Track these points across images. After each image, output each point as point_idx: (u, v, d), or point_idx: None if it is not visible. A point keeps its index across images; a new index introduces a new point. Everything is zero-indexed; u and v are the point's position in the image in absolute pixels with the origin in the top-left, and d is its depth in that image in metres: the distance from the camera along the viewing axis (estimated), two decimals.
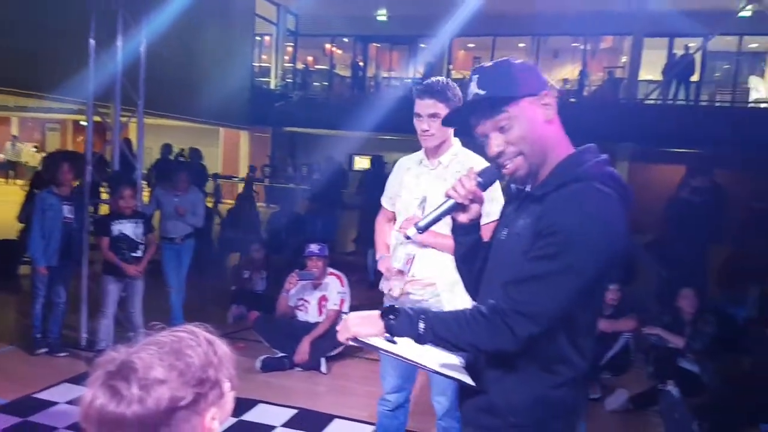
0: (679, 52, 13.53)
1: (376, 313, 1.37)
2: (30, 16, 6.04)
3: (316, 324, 4.36)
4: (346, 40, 18.10)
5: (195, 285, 5.51)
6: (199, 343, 0.95)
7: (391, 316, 1.33)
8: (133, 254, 4.22)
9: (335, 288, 4.48)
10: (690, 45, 13.19)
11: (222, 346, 0.98)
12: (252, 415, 3.45)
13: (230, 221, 7.26)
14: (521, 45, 17.61)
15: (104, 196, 5.62)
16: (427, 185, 2.35)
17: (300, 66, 17.88)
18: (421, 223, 1.46)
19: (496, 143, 1.38)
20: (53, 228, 4.22)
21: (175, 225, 4.78)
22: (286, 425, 3.36)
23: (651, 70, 14.38)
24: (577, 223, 1.25)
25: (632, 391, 3.95)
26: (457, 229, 1.54)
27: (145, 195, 5.68)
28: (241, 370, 1.21)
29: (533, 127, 1.36)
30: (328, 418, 3.42)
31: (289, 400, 3.62)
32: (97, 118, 4.68)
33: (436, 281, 2.35)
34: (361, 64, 17.18)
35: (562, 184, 1.31)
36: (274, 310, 4.60)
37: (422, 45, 16.11)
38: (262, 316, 4.58)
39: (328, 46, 18.45)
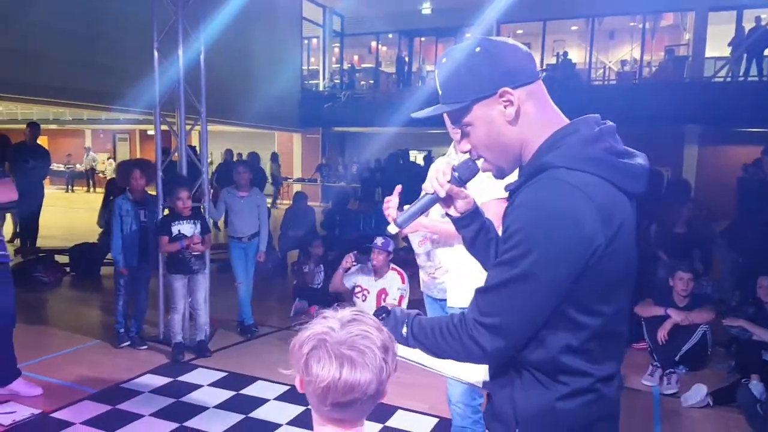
0: (748, 25, 12.78)
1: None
2: (93, 29, 6.43)
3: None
4: (390, 36, 18.15)
5: (261, 281, 5.77)
6: (379, 328, 1.09)
7: (381, 317, 1.32)
8: (192, 252, 4.43)
9: (396, 284, 4.63)
10: (762, 16, 12.45)
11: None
12: None
13: (289, 220, 7.52)
14: (574, 28, 17.13)
15: None
16: None
17: (347, 66, 18.08)
18: (399, 219, 1.40)
19: (462, 146, 1.32)
20: (130, 231, 4.54)
21: (241, 224, 5.02)
22: None
23: (717, 46, 13.62)
24: (531, 223, 1.12)
25: (711, 386, 3.81)
26: (453, 221, 1.47)
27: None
28: None
29: (490, 131, 1.24)
30: (392, 409, 3.50)
31: None
32: (164, 127, 4.98)
33: (449, 268, 2.42)
34: (406, 59, 17.20)
35: (529, 176, 1.20)
36: (332, 303, 4.78)
37: (468, 35, 15.97)
38: (323, 308, 4.77)
39: (373, 43, 18.58)
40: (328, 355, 1.01)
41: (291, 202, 8.61)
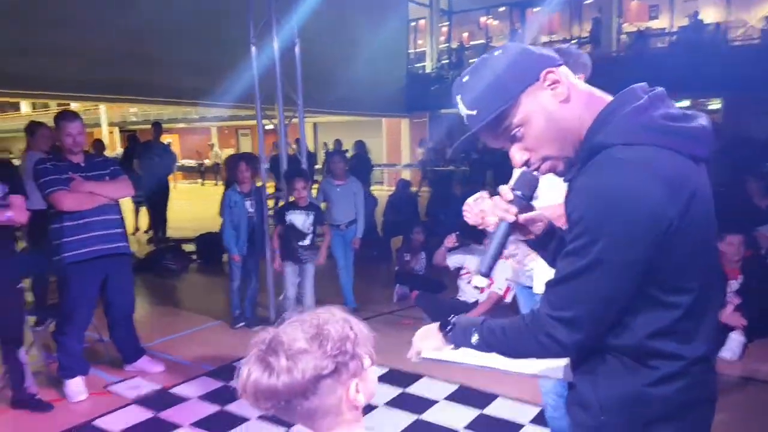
0: None
1: (436, 325, 1.34)
2: (193, 28, 6.81)
3: (476, 303, 4.45)
4: (501, 9, 17.57)
5: (362, 268, 5.89)
6: (336, 319, 1.03)
7: (447, 329, 1.29)
8: (300, 243, 4.60)
9: (505, 273, 4.51)
10: None
11: (359, 325, 1.05)
12: (415, 388, 3.64)
13: (391, 206, 7.59)
14: None
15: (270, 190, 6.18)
16: None
17: (455, 45, 17.79)
18: (483, 268, 1.29)
19: (517, 156, 1.21)
20: (239, 221, 4.81)
21: (339, 213, 5.14)
22: (448, 399, 3.51)
23: None
24: (593, 209, 1.07)
25: None
26: (533, 246, 1.37)
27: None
28: (407, 347, 1.35)
29: (548, 121, 1.15)
30: (492, 396, 3.47)
31: (451, 377, 3.74)
32: (266, 122, 5.19)
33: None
34: (519, 31, 16.57)
35: (585, 161, 1.13)
36: (433, 289, 4.78)
37: (587, 0, 15.01)
38: (422, 293, 4.78)
39: (483, 19, 18.11)
40: (250, 358, 1.01)
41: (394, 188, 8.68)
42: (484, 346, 1.24)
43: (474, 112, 1.17)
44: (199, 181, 21.11)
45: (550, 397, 2.43)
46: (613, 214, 1.04)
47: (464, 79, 1.20)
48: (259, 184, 5.08)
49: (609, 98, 1.17)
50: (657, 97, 1.13)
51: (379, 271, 6.89)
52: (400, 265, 5.85)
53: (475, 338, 1.25)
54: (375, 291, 5.83)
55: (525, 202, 1.28)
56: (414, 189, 8.38)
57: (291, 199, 4.70)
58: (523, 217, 1.28)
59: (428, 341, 1.34)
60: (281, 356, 0.97)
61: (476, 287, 1.33)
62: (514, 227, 1.29)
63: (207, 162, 21.18)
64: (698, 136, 1.12)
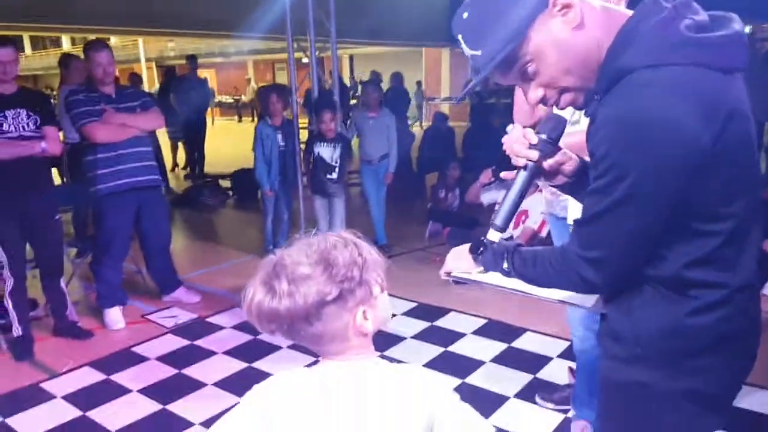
0: None
1: (467, 247, 1.30)
2: None
3: (510, 239, 4.36)
4: None
5: (396, 204, 5.85)
6: (346, 244, 0.99)
7: (478, 251, 1.24)
8: (328, 176, 4.55)
9: (540, 207, 4.38)
10: None
11: (369, 250, 1.01)
12: (443, 322, 3.65)
13: (427, 141, 7.43)
14: None
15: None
16: None
17: None
18: (499, 221, 1.21)
19: (531, 94, 1.11)
20: (272, 155, 4.78)
21: (371, 146, 5.05)
22: (476, 333, 3.51)
23: None
24: (619, 142, 0.98)
25: None
26: (565, 190, 1.29)
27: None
28: (436, 283, 1.32)
29: (561, 52, 1.05)
30: (521, 330, 3.46)
31: (480, 311, 3.74)
32: (299, 54, 5.06)
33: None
34: None
35: (606, 89, 1.03)
36: (467, 226, 4.69)
37: None
38: (455, 230, 4.72)
39: None
40: (255, 280, 0.99)
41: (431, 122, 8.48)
42: (513, 274, 1.21)
43: (478, 53, 1.07)
44: (236, 117, 21.18)
45: (578, 329, 2.39)
46: (640, 146, 0.96)
47: (464, 15, 1.08)
48: (290, 117, 5.01)
49: (629, 13, 1.05)
50: (682, 5, 1.01)
51: (412, 207, 6.83)
52: (433, 201, 5.78)
53: (505, 264, 1.21)
54: (407, 228, 5.80)
55: (551, 146, 1.18)
56: (451, 124, 8.15)
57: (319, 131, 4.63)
58: (548, 163, 1.19)
59: (459, 262, 1.32)
60: (283, 280, 0.95)
61: (488, 242, 1.23)
62: (540, 173, 1.21)
63: (244, 98, 21.15)
64: (732, 46, 1.00)
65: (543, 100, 1.11)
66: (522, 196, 1.20)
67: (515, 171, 1.22)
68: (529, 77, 1.09)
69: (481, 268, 1.29)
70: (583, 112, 1.14)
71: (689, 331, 1.06)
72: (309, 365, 1.06)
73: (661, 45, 0.98)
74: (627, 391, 1.14)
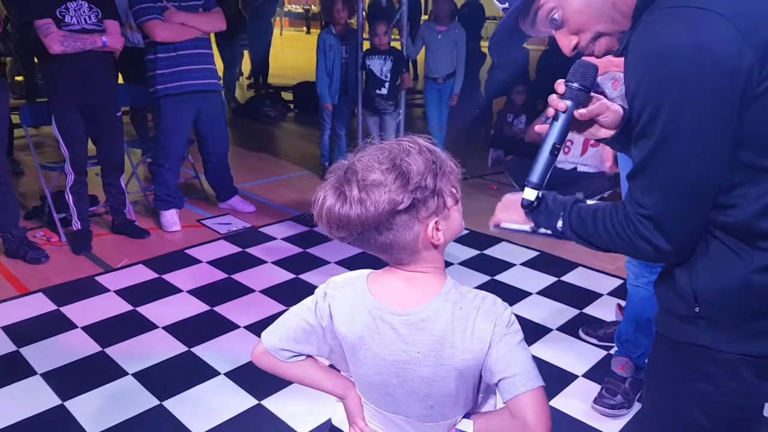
0: None
1: (518, 197, 1.18)
2: None
3: (574, 170, 4.12)
4: None
5: (459, 128, 5.63)
6: (420, 150, 0.94)
7: (533, 205, 1.13)
8: (378, 91, 4.37)
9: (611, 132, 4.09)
10: None
11: (444, 158, 0.96)
12: (493, 251, 3.55)
13: (497, 62, 7.00)
14: None
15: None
16: None
17: None
18: (535, 177, 1.11)
19: (563, 42, 1.05)
20: (333, 67, 4.61)
21: (437, 63, 4.78)
22: (525, 264, 3.40)
23: None
24: (651, 74, 0.88)
25: None
26: (612, 144, 1.19)
27: None
28: (491, 211, 1.23)
29: None
30: (573, 265, 3.35)
31: (533, 243, 3.60)
32: None
33: None
34: None
35: (636, 20, 0.95)
36: (530, 156, 4.44)
37: None
38: (516, 159, 4.49)
39: None
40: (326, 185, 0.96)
41: None
42: (570, 233, 1.09)
43: (506, 5, 1.05)
44: (305, 29, 20.81)
45: (633, 262, 2.25)
46: (671, 75, 0.87)
47: None
48: (355, 26, 4.78)
49: None
50: None
51: (477, 133, 6.58)
52: (497, 127, 5.51)
53: (560, 223, 1.10)
54: (469, 153, 5.59)
55: (584, 94, 1.08)
56: (530, 47, 7.64)
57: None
58: (580, 112, 1.09)
59: (509, 214, 1.21)
60: (354, 186, 0.91)
61: (526, 200, 1.11)
62: (577, 125, 1.12)
63: (314, 8, 20.66)
64: None
65: (577, 48, 1.05)
66: (558, 148, 1.10)
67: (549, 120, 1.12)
68: (559, 25, 1.04)
69: (532, 224, 1.18)
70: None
71: (758, 289, 0.94)
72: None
73: None
74: (683, 351, 1.04)
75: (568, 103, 1.08)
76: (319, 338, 1.06)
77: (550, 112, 1.10)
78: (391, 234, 0.93)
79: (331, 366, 1.13)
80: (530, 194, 1.11)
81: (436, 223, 0.95)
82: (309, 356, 1.10)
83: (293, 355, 1.08)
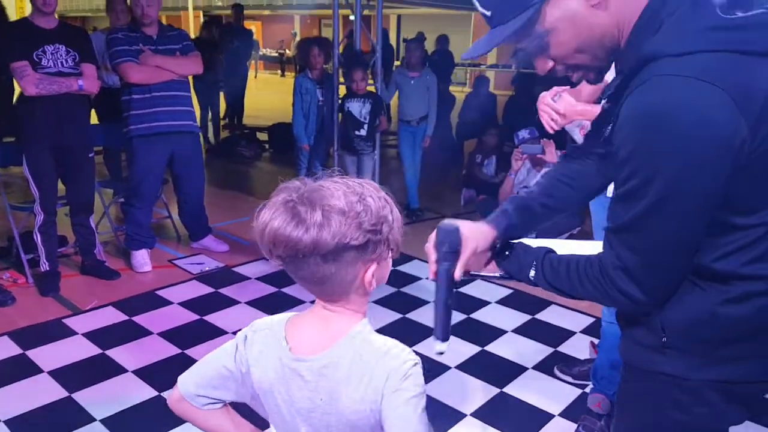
0: None
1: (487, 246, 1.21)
2: None
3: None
4: None
5: (432, 169, 5.73)
6: (378, 196, 0.95)
7: (503, 255, 1.15)
8: (357, 132, 4.47)
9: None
10: None
11: (397, 211, 0.97)
12: (468, 289, 3.56)
13: (468, 107, 7.20)
14: None
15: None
16: None
17: None
18: (440, 334, 1.16)
19: (540, 64, 1.06)
20: (310, 110, 4.68)
21: (410, 106, 4.91)
22: (500, 302, 3.42)
23: None
24: (646, 140, 0.89)
25: None
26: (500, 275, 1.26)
27: None
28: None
29: (577, 28, 0.98)
30: (546, 303, 3.38)
31: (506, 281, 3.62)
32: (346, 11, 4.92)
33: None
34: None
35: (630, 75, 0.96)
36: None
37: None
38: (487, 199, 4.58)
39: None
40: (276, 203, 0.93)
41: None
42: (543, 283, 1.11)
43: (488, 13, 1.03)
44: (279, 72, 21.10)
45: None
46: (670, 143, 0.87)
47: None
48: (330, 71, 4.89)
49: None
50: None
51: (448, 173, 6.70)
52: (469, 167, 5.62)
53: (532, 273, 1.12)
54: (441, 193, 5.68)
55: (454, 255, 1.15)
56: (496, 92, 7.88)
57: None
58: (458, 273, 1.16)
59: (479, 260, 1.21)
60: (317, 210, 0.88)
61: (439, 353, 1.14)
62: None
63: (288, 52, 21.02)
64: (765, 27, 0.91)
65: (552, 72, 1.07)
66: (448, 303, 1.15)
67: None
68: (542, 49, 1.04)
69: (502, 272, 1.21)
70: (604, 101, 1.08)
71: (723, 320, 0.98)
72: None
73: (688, 29, 0.91)
74: (652, 379, 1.06)
75: (445, 264, 1.14)
76: (238, 384, 1.03)
77: (517, 164, 1.16)
78: (334, 267, 0.91)
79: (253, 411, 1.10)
80: (441, 347, 1.14)
81: (372, 272, 0.95)
82: (225, 404, 1.07)
83: (209, 402, 1.05)
